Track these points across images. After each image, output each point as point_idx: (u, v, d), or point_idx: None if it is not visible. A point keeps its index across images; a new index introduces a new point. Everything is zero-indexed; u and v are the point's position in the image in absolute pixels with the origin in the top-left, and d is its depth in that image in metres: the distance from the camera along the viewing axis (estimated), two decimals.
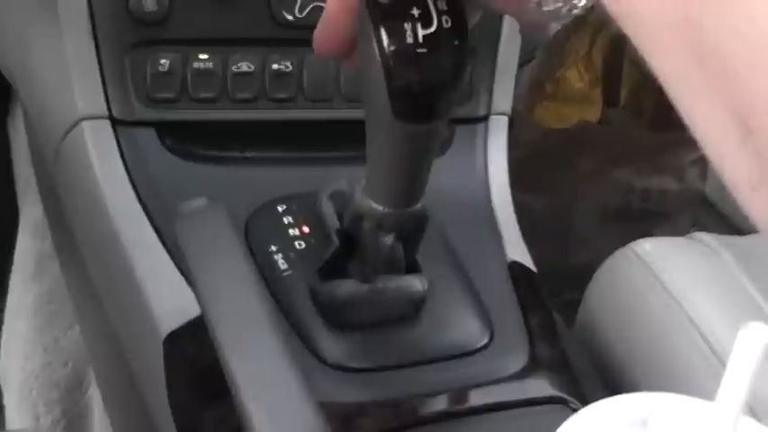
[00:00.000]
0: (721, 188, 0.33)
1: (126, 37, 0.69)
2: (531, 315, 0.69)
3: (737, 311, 0.74)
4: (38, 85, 0.76)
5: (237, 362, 0.55)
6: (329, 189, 0.66)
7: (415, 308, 0.64)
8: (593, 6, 0.46)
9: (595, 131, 1.38)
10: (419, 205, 0.58)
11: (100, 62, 0.70)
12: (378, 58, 0.50)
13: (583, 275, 0.82)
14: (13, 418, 1.06)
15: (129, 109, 0.70)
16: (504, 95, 0.78)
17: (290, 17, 0.71)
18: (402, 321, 0.64)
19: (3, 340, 1.08)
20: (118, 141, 0.70)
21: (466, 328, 0.66)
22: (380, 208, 0.58)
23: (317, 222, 0.65)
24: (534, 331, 0.68)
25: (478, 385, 0.63)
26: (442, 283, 0.66)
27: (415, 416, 0.61)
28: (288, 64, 0.72)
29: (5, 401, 1.07)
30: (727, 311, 0.74)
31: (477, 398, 0.62)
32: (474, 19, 0.54)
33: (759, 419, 0.39)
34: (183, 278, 0.64)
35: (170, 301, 0.64)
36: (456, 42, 0.51)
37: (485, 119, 0.78)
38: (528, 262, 0.74)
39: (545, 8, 0.48)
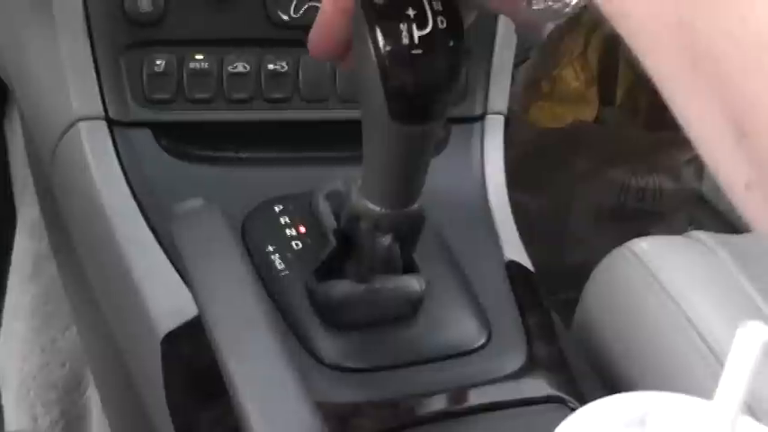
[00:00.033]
0: (718, 186, 0.33)
1: (121, 37, 0.69)
2: (529, 315, 0.69)
3: (735, 310, 0.74)
4: (34, 86, 0.76)
5: (235, 362, 0.55)
6: (325, 189, 0.66)
7: (412, 308, 0.64)
8: (586, 6, 0.46)
9: (591, 131, 1.38)
10: (416, 205, 0.58)
11: (95, 63, 0.70)
12: (373, 58, 0.50)
13: (579, 275, 0.82)
14: (11, 418, 1.05)
15: (125, 109, 0.70)
16: (499, 95, 0.78)
17: (285, 17, 0.71)
18: (399, 321, 0.64)
19: (0, 341, 1.08)
20: (114, 142, 0.70)
21: (463, 328, 0.66)
22: (377, 208, 0.58)
23: (314, 222, 0.65)
24: (532, 331, 0.68)
25: (476, 385, 0.63)
26: (439, 283, 0.66)
27: (412, 416, 0.61)
28: (283, 64, 0.72)
29: (3, 402, 1.07)
30: (724, 310, 0.74)
31: (474, 397, 0.62)
32: (469, 19, 0.53)
33: (757, 418, 0.39)
34: (180, 278, 0.64)
35: (167, 302, 0.64)
36: (451, 43, 0.51)
37: (481, 118, 0.78)
38: (525, 261, 0.74)
39: (535, 6, 0.49)
